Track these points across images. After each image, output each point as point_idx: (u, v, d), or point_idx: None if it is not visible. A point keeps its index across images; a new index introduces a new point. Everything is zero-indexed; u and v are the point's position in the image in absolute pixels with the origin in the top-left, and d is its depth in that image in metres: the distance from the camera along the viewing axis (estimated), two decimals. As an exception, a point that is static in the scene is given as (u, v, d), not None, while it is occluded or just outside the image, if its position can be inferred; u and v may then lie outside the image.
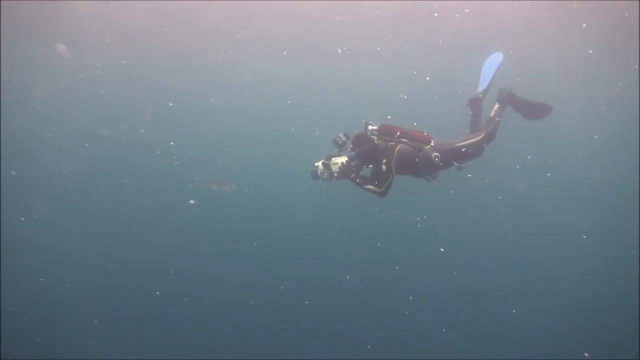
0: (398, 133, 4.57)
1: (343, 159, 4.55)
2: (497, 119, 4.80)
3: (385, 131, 4.58)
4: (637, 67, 11.41)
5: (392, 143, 4.56)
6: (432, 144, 4.59)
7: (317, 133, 11.73)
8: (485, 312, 11.11)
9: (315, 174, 4.65)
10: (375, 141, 4.58)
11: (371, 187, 4.52)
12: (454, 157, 4.61)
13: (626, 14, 10.45)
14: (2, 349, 8.83)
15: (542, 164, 13.31)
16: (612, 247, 11.87)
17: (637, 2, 10.33)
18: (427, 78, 12.37)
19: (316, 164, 4.65)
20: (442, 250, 11.94)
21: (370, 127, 4.60)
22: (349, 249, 12.40)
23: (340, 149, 4.56)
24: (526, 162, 13.31)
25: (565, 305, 11.15)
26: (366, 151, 4.53)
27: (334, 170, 4.56)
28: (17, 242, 10.90)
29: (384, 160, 4.44)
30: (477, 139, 4.70)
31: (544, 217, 12.97)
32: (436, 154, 4.49)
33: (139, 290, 11.05)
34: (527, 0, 10.95)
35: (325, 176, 4.60)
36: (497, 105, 4.94)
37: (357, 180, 4.57)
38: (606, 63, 11.69)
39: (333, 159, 4.59)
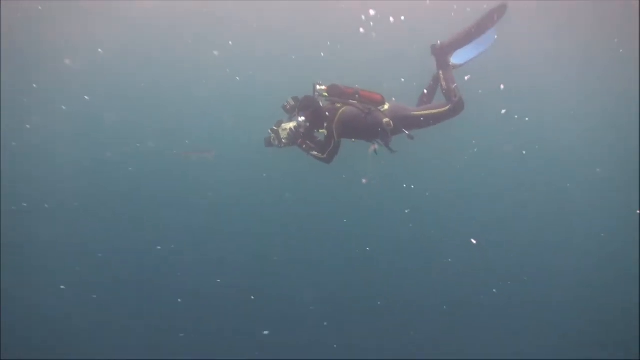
0: (348, 93, 4.28)
1: (292, 125, 4.33)
2: (453, 86, 4.28)
3: (335, 92, 4.29)
4: (637, 65, 11.39)
5: (339, 105, 4.28)
6: (386, 107, 4.31)
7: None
8: (483, 311, 11.02)
9: (268, 142, 4.46)
10: (322, 103, 4.33)
11: (315, 153, 4.31)
12: (408, 125, 4.27)
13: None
14: (2, 349, 8.82)
15: (541, 160, 13.21)
16: (611, 245, 11.77)
17: (637, 1, 10.35)
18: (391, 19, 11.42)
19: (269, 130, 4.47)
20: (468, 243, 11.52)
21: (318, 88, 4.32)
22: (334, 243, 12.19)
23: (290, 114, 4.38)
24: (527, 162, 13.22)
25: (563, 304, 11.08)
26: (310, 115, 4.26)
27: (282, 136, 4.33)
28: (17, 242, 10.89)
29: (325, 124, 4.21)
30: (441, 110, 4.30)
31: (542, 215, 12.85)
32: (387, 119, 4.18)
33: (137, 289, 11.03)
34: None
35: (276, 143, 4.40)
36: (440, 73, 4.38)
37: (304, 147, 4.35)
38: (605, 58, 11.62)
39: (282, 124, 4.39)
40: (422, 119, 4.29)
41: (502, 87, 11.14)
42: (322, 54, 12.44)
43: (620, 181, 12.15)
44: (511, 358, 10.08)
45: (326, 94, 4.31)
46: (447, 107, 4.26)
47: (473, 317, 10.93)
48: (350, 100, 4.27)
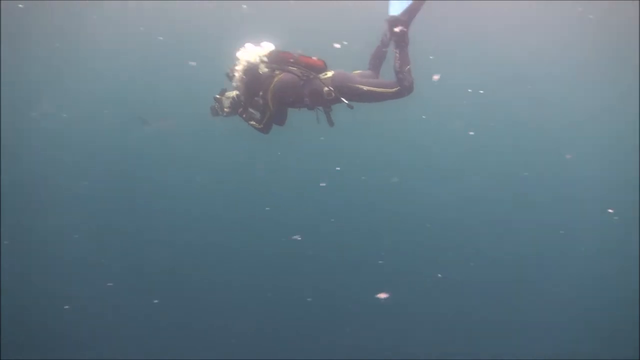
0: (287, 59, 4.09)
1: (235, 93, 4.21)
2: (406, 68, 3.85)
3: (275, 58, 4.12)
4: (637, 64, 11.34)
5: (278, 72, 4.11)
6: (329, 75, 4.07)
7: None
8: (481, 310, 10.83)
9: (214, 111, 4.38)
10: (261, 70, 4.15)
11: (253, 123, 4.22)
12: (350, 96, 4.00)
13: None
14: (2, 349, 8.88)
15: (542, 162, 13.04)
16: (611, 244, 11.59)
17: (637, 2, 10.37)
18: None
19: (213, 99, 4.42)
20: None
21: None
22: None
23: (233, 81, 4.27)
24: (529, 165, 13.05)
25: (563, 303, 10.89)
26: (248, 82, 4.11)
27: (224, 105, 4.29)
28: (17, 242, 10.97)
29: (260, 92, 4.08)
30: (388, 90, 3.95)
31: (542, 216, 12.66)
32: (327, 89, 3.94)
33: (137, 289, 11.00)
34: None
35: (220, 112, 4.35)
36: (396, 52, 3.91)
37: (244, 116, 4.25)
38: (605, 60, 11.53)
39: (227, 93, 4.32)
40: (366, 93, 4.01)
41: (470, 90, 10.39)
42: (244, 6, 11.88)
43: (618, 175, 11.88)
44: (512, 358, 9.90)
45: (266, 60, 4.17)
46: (395, 89, 3.93)
47: (474, 312, 10.49)
48: (290, 67, 4.05)
